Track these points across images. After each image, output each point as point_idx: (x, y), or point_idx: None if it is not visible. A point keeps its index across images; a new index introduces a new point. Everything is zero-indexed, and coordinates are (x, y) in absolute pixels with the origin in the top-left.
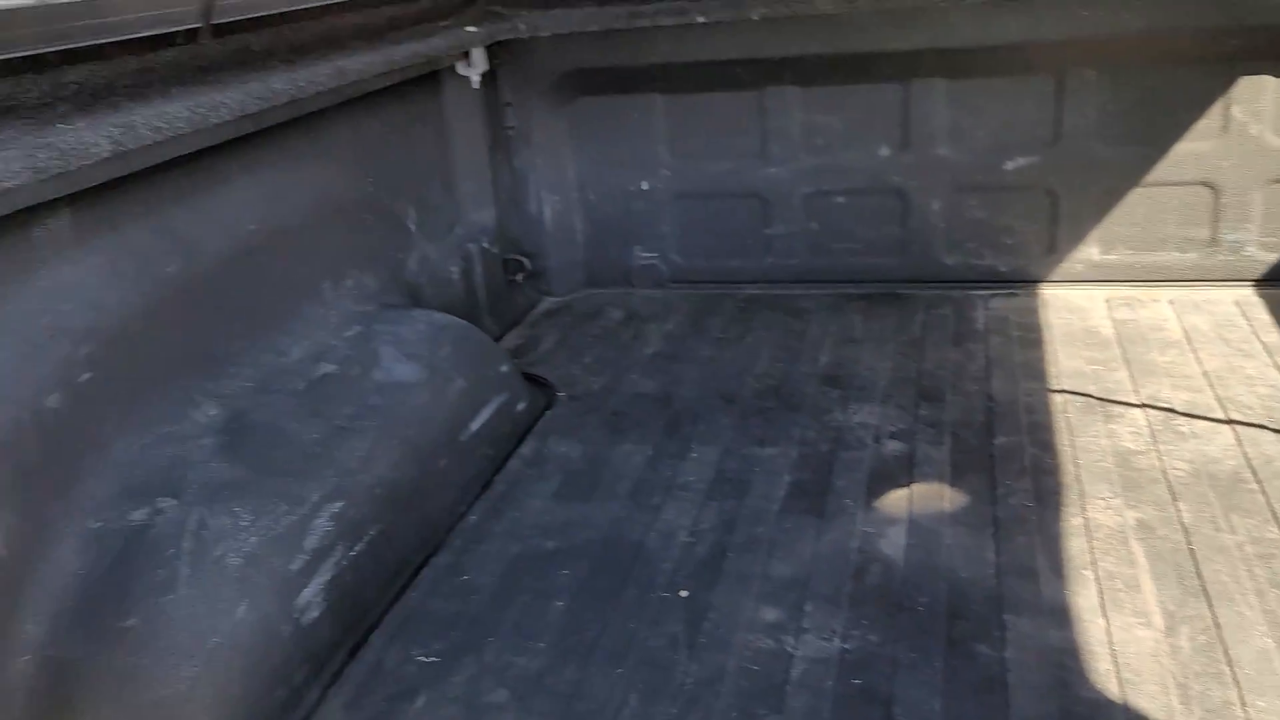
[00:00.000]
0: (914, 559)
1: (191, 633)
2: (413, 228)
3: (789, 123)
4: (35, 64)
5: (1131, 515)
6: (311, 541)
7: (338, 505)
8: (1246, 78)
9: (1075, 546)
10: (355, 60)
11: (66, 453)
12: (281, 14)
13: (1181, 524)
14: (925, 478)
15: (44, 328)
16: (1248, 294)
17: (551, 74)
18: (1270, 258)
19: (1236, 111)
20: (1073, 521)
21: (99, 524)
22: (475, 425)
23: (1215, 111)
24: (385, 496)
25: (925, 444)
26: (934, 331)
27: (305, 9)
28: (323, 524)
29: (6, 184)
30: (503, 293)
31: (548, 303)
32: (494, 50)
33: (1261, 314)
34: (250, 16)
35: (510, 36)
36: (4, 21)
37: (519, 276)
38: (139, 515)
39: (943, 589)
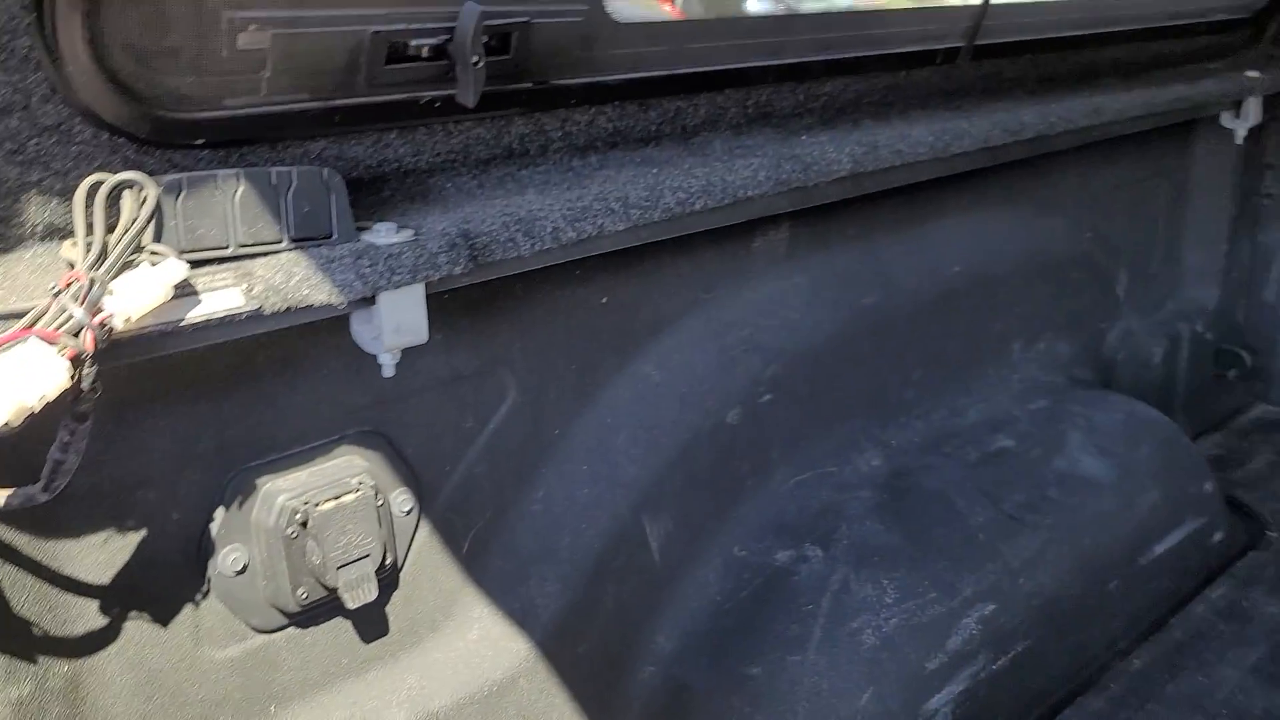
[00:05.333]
0: None
1: (811, 706)
2: (1121, 295)
3: None
4: (795, 73)
5: None
6: (955, 642)
7: (990, 607)
8: None
9: None
10: (1112, 99)
11: (733, 473)
12: (1041, 40)
13: None
14: None
15: (742, 340)
16: None
17: None
18: None
19: None
20: None
21: (745, 553)
22: (1160, 549)
23: None
24: (1042, 609)
25: None
26: None
27: (1069, 37)
28: (970, 625)
29: (749, 192)
30: (1206, 388)
31: (1261, 410)
32: (1271, 103)
33: None
34: (1014, 41)
35: None
36: (780, 28)
37: (1231, 373)
38: (784, 556)
39: None
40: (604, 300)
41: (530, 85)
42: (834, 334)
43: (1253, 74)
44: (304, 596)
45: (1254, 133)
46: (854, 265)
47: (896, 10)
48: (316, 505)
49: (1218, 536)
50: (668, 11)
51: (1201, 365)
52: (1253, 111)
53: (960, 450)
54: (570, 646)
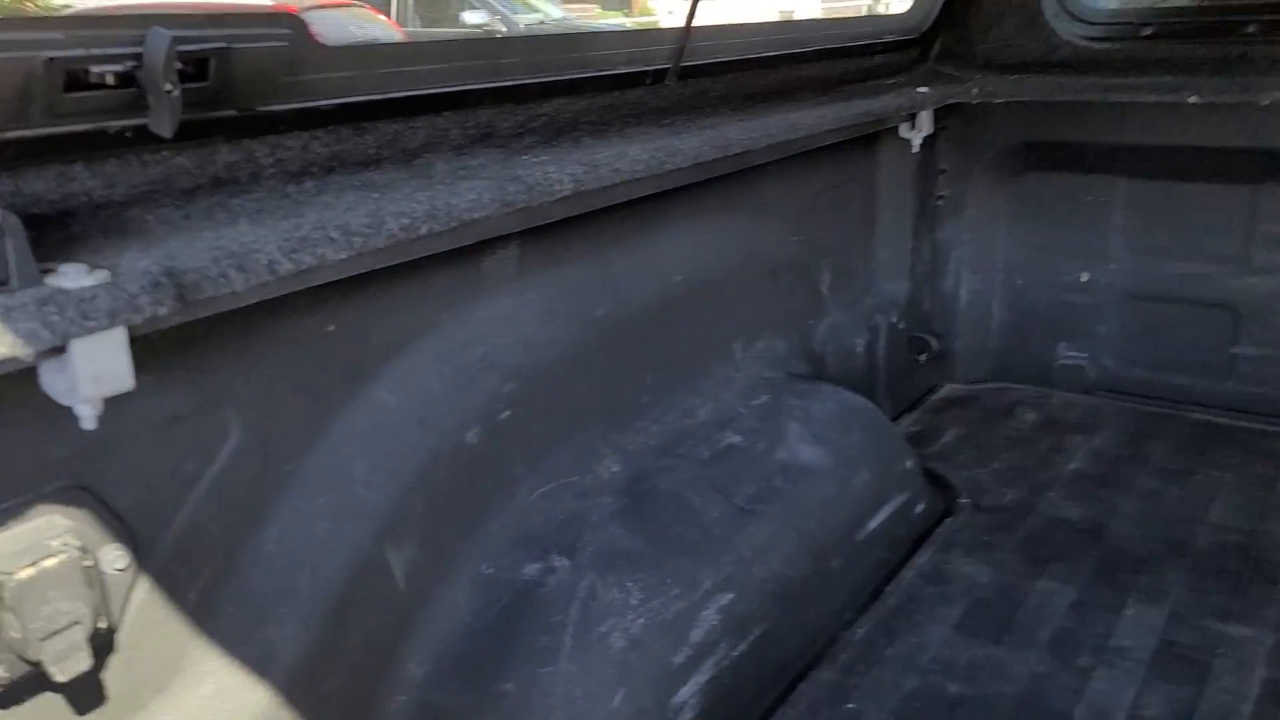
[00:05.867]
0: None
1: (566, 714)
2: (825, 293)
3: None
4: (514, 94)
5: None
6: (698, 634)
7: (728, 597)
8: None
9: None
10: (807, 114)
11: (476, 491)
12: (742, 61)
13: None
14: None
15: (478, 359)
16: None
17: (998, 144)
18: None
19: None
20: None
21: (492, 570)
22: (873, 524)
23: None
24: (775, 593)
25: None
26: None
27: (764, 57)
28: (710, 616)
29: (475, 215)
30: (903, 372)
31: (949, 389)
32: (939, 114)
33: None
34: (716, 61)
35: (961, 100)
36: (496, 50)
37: (922, 357)
38: (531, 570)
39: None
40: (331, 328)
41: (235, 112)
42: (568, 347)
43: (923, 89)
44: (2, 675)
45: (928, 142)
46: (584, 279)
47: (607, 32)
48: (11, 574)
49: (920, 508)
50: (397, 34)
51: (898, 352)
52: (925, 123)
53: (693, 450)
54: (315, 687)
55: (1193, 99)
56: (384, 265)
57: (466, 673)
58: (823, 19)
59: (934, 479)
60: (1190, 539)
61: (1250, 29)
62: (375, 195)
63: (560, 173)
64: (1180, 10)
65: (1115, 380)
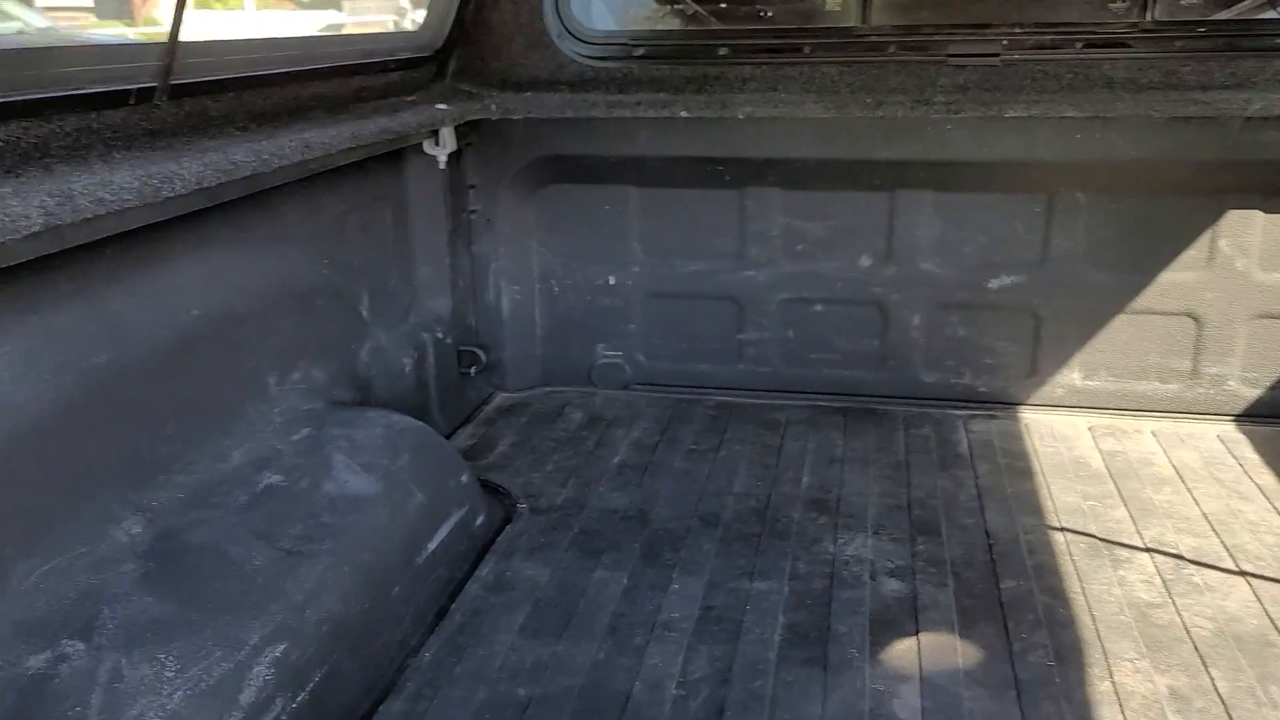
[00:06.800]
0: None
1: None
2: (366, 315)
3: (769, 225)
4: None
5: (1163, 682)
6: (249, 695)
7: (280, 648)
8: (1235, 211)
9: (1108, 717)
10: (321, 133)
11: None
12: (244, 78)
13: (1219, 695)
14: (933, 626)
15: None
16: (1230, 429)
17: (521, 158)
18: (1252, 393)
19: (1223, 244)
20: (1100, 686)
21: None
22: (433, 545)
23: (1202, 243)
24: (334, 634)
25: (927, 585)
26: (918, 454)
27: (269, 74)
28: (262, 672)
29: None
30: (454, 387)
31: (501, 399)
32: (462, 130)
33: (1248, 452)
34: (213, 79)
35: (481, 117)
36: None
37: (472, 370)
38: (36, 662)
39: None
40: None
41: None
42: (62, 402)
43: (442, 106)
44: None
45: (454, 158)
46: (76, 323)
47: (78, 46)
48: None
49: (480, 520)
50: None
51: (447, 367)
52: (449, 139)
53: (228, 497)
54: None
55: (683, 114)
56: None
57: None
58: (331, 35)
59: (492, 489)
60: (720, 511)
61: (722, 52)
62: None
63: (25, 206)
64: (667, 34)
65: (648, 374)
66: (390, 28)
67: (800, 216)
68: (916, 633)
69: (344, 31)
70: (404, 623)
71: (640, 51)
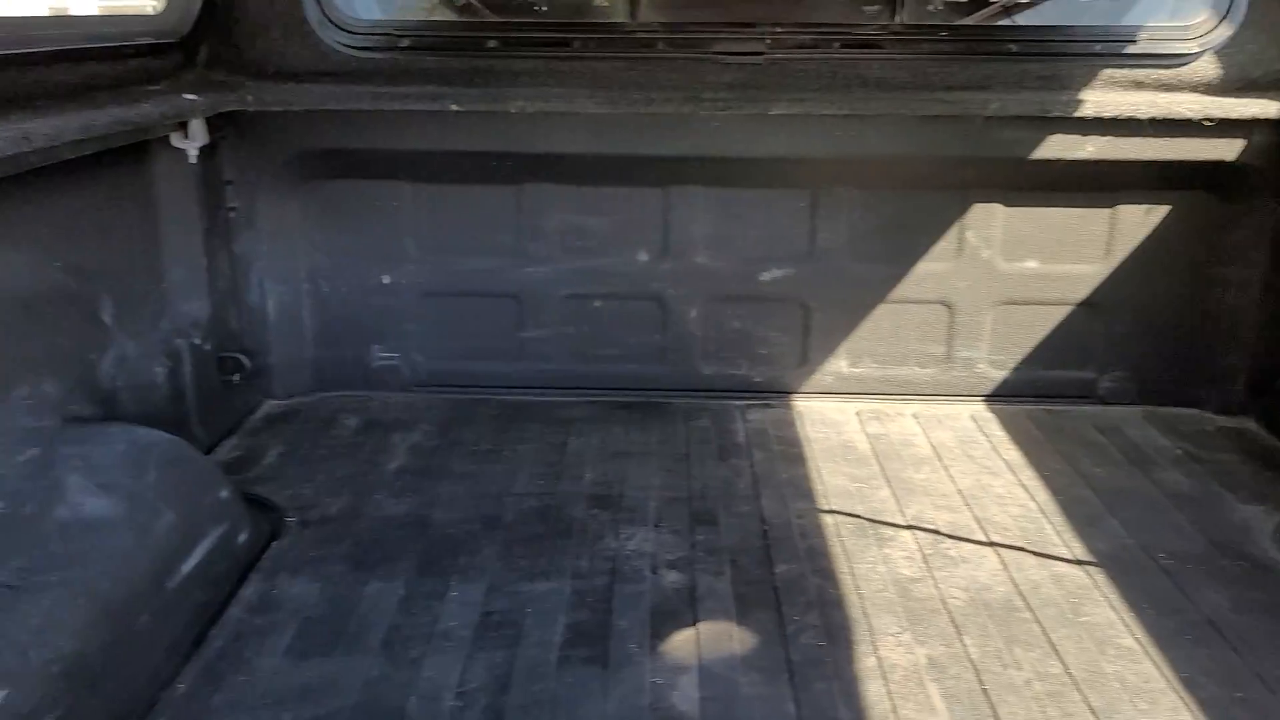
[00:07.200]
0: (711, 714)
1: None
2: (109, 321)
3: (548, 221)
4: None
5: (922, 653)
6: None
7: (1, 696)
8: (979, 204)
9: (873, 691)
10: (46, 123)
11: None
12: None
13: (970, 660)
14: (711, 615)
15: None
16: (981, 409)
17: (283, 152)
18: (998, 375)
19: (970, 236)
20: (866, 662)
21: None
22: (186, 568)
23: (952, 235)
24: (67, 673)
25: (706, 575)
26: (698, 445)
27: None
28: None
29: None
30: (216, 396)
31: (269, 406)
32: (216, 122)
33: (996, 430)
34: None
35: (236, 108)
36: None
37: (236, 377)
38: None
39: None
40: None
41: None
42: None
43: (190, 97)
44: None
45: (207, 151)
46: None
47: None
48: None
49: (242, 537)
50: None
51: (207, 375)
52: (199, 132)
53: None
54: None
55: (454, 107)
56: None
57: None
58: (53, 16)
59: (257, 503)
60: (501, 512)
61: (491, 44)
62: None
63: None
64: (435, 24)
65: (428, 375)
66: (133, 11)
67: (579, 212)
68: (695, 623)
69: (73, 13)
70: (154, 654)
71: (406, 42)
